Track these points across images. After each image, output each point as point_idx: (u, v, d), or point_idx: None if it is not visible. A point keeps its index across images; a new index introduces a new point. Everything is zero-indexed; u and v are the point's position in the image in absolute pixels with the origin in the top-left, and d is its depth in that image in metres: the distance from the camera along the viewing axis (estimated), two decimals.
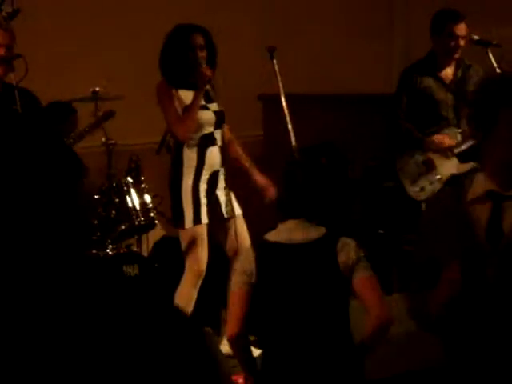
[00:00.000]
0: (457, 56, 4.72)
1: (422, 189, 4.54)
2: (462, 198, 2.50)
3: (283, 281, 2.87)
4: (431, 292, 2.47)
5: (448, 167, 4.63)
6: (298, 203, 2.95)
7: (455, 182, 4.49)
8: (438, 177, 4.52)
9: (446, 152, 4.53)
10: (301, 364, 2.81)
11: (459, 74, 4.82)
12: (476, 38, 4.72)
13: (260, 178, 4.34)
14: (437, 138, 4.52)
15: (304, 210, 2.90)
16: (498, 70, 4.56)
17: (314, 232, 2.86)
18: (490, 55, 4.61)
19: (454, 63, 4.80)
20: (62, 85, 5.00)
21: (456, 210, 2.48)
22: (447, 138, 4.53)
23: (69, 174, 3.31)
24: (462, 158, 4.53)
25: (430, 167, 4.54)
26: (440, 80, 4.79)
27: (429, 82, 4.78)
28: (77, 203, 3.60)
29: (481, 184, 2.46)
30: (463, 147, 4.49)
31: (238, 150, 4.42)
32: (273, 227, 3.20)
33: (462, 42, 4.68)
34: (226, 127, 4.38)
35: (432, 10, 4.99)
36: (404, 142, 4.64)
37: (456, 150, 4.62)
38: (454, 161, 4.62)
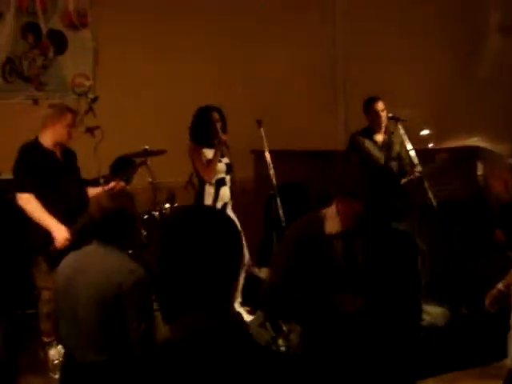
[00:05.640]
0: (383, 124, 5.27)
1: None
2: (321, 228, 2.69)
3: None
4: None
5: None
6: None
7: None
8: None
9: None
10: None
11: (386, 138, 5.34)
12: (390, 115, 5.33)
13: None
14: None
15: None
16: (405, 137, 5.18)
17: None
18: (400, 127, 5.26)
19: (383, 131, 5.34)
20: (124, 144, 5.64)
21: (319, 237, 2.67)
22: None
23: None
24: None
25: None
26: (375, 143, 5.27)
27: (368, 143, 5.25)
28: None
29: (334, 224, 2.65)
30: None
31: None
32: None
33: (382, 114, 5.23)
34: None
35: (363, 91, 5.56)
36: None
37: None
38: None
